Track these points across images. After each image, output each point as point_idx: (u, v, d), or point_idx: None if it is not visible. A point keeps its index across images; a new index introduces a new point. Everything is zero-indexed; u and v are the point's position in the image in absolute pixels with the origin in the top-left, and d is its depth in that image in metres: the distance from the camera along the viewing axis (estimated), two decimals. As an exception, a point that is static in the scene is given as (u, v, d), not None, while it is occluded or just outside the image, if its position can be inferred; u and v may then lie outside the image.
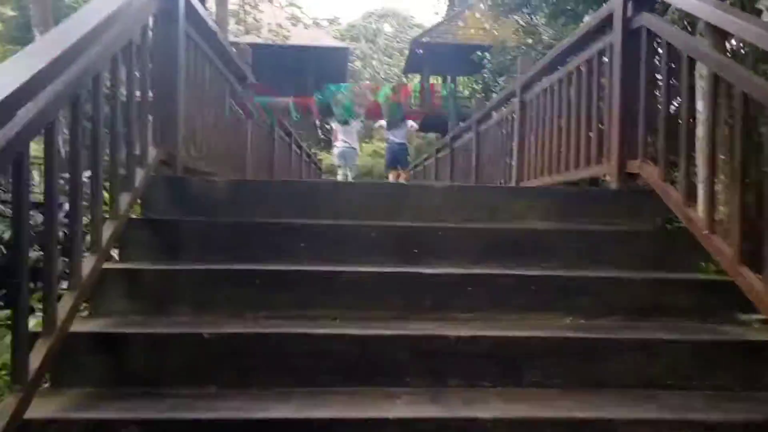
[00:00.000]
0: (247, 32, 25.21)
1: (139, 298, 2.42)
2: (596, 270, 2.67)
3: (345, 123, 9.05)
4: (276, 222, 2.83)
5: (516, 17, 14.95)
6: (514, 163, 5.39)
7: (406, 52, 42.85)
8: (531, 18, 14.28)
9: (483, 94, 14.27)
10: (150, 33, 3.05)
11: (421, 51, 19.48)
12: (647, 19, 3.16)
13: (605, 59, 3.59)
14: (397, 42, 44.56)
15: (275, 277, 2.46)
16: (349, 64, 32.16)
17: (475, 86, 14.55)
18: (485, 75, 14.18)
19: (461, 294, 2.47)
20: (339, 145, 9.15)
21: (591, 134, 3.73)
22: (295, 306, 2.42)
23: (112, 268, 2.45)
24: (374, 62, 38.15)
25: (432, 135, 25.15)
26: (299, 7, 26.63)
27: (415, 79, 25.34)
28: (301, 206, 3.03)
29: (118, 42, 2.43)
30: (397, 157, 8.99)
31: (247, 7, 25.41)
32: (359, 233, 2.75)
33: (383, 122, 9.18)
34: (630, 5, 3.30)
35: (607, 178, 3.51)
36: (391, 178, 8.99)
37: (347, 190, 3.33)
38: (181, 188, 3.02)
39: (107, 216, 2.41)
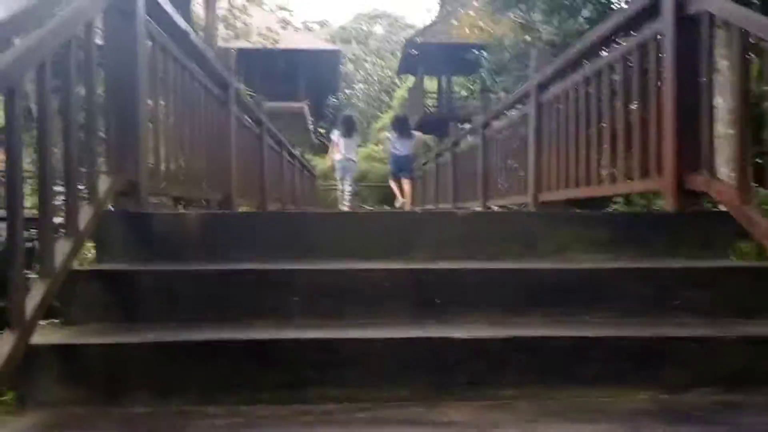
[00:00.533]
0: (237, 37, 24.63)
1: (81, 383, 1.83)
2: (674, 325, 2.08)
3: (348, 136, 9.13)
4: (261, 269, 2.24)
5: (511, 14, 14.40)
6: (531, 172, 4.81)
7: (399, 53, 42.52)
8: (528, 15, 13.73)
9: (481, 94, 13.72)
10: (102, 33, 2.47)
11: (415, 52, 18.92)
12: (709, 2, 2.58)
13: (651, 51, 3.01)
14: (389, 43, 44.04)
15: (258, 349, 1.87)
16: (341, 66, 31.64)
17: (472, 86, 13.97)
18: (483, 74, 13.59)
19: (504, 365, 1.88)
20: (340, 159, 9.16)
21: (633, 140, 3.16)
22: (286, 387, 1.83)
23: (45, 344, 1.85)
24: (367, 65, 37.59)
25: (427, 136, 24.61)
26: (290, 11, 26.11)
27: (409, 81, 24.78)
28: (293, 244, 2.44)
29: (49, 44, 1.85)
30: (401, 167, 9.05)
31: (236, 12, 24.85)
32: (368, 281, 2.16)
33: (389, 134, 9.38)
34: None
35: (663, 200, 2.92)
36: (394, 186, 9.06)
37: (350, 222, 2.74)
38: (143, 226, 2.42)
39: (37, 274, 1.83)
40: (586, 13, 12.11)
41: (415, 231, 2.54)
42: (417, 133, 9.38)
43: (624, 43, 3.36)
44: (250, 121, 5.78)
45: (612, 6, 11.88)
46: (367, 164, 25.28)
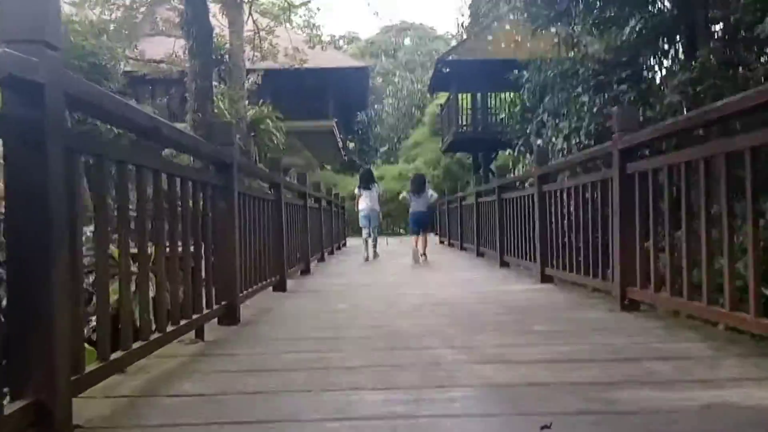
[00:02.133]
0: (263, 58, 24.07)
1: None
2: None
3: (367, 188, 9.95)
4: None
5: (553, 29, 13.36)
6: (615, 256, 3.80)
7: (428, 65, 41.68)
8: (572, 29, 12.69)
9: (521, 116, 12.70)
10: None
11: (447, 69, 17.94)
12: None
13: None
14: (419, 55, 43.16)
15: None
16: (369, 81, 30.87)
17: (510, 107, 12.93)
18: (524, 95, 12.56)
19: None
20: (363, 208, 9.89)
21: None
22: None
23: None
24: (396, 78, 36.69)
25: (460, 154, 23.56)
26: (318, 27, 25.44)
27: (441, 96, 23.82)
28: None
29: None
30: (419, 224, 9.46)
31: (263, 33, 24.28)
32: None
33: (405, 194, 10.15)
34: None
35: None
36: (413, 241, 9.40)
37: None
38: None
39: None
40: (632, 23, 10.99)
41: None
42: (431, 190, 10.07)
43: None
44: (264, 188, 4.89)
45: (658, 16, 10.82)
46: (397, 184, 24.35)
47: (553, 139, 10.29)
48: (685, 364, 2.43)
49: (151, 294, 2.69)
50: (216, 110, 20.38)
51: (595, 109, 9.90)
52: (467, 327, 3.39)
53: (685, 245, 3.05)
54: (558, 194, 5.07)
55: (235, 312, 3.63)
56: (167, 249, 2.77)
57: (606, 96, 10.26)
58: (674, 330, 3.09)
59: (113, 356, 2.15)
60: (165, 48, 21.76)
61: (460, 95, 19.02)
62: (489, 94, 19.20)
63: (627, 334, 3.04)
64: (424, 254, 9.10)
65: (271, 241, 5.06)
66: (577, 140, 10.08)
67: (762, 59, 9.39)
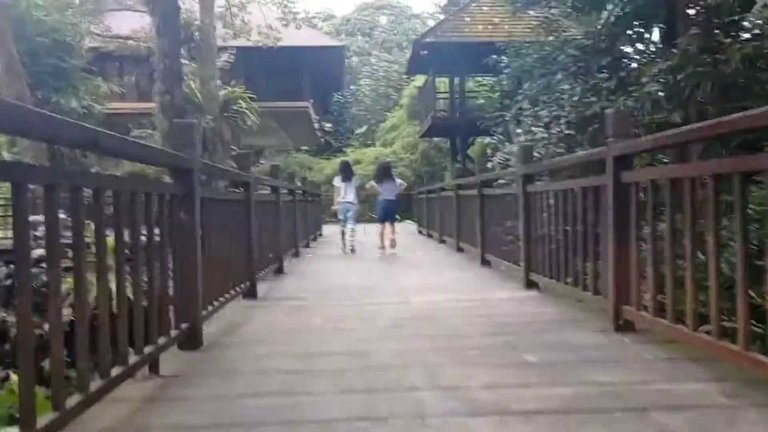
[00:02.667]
0: (236, 36, 23.40)
1: None
2: None
3: (347, 180, 10.03)
4: None
5: (531, 11, 13.03)
6: (610, 270, 3.53)
7: (405, 44, 41.10)
8: (551, 12, 12.37)
9: (500, 103, 12.38)
10: None
11: (425, 52, 17.52)
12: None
13: None
14: (395, 35, 42.59)
15: None
16: (345, 61, 30.30)
17: (492, 94, 12.61)
18: (504, 82, 12.25)
19: None
20: (341, 201, 9.97)
21: None
22: None
23: None
24: (372, 59, 36.12)
25: (438, 139, 23.24)
26: (292, 4, 24.76)
27: (420, 80, 23.42)
28: None
29: None
30: (387, 213, 9.50)
31: (235, 9, 23.56)
32: None
33: (373, 182, 10.06)
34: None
35: None
36: (379, 229, 9.47)
37: None
38: None
39: None
40: (610, 6, 10.73)
41: None
42: (399, 179, 10.15)
43: None
44: (230, 189, 4.53)
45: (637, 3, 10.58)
46: (374, 169, 24.01)
47: (533, 129, 10.01)
48: (700, 418, 2.16)
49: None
50: (186, 90, 19.82)
51: (576, 98, 9.64)
52: (453, 353, 3.10)
53: (690, 270, 2.78)
54: (544, 197, 4.79)
55: (197, 335, 3.29)
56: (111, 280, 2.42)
57: (588, 84, 10.00)
58: (678, 363, 2.83)
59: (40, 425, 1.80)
60: (133, 23, 20.96)
61: (437, 80, 18.64)
62: (467, 78, 18.87)
63: (627, 369, 2.77)
64: (393, 242, 9.15)
65: (240, 246, 4.71)
66: (558, 129, 9.83)
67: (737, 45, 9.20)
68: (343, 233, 9.73)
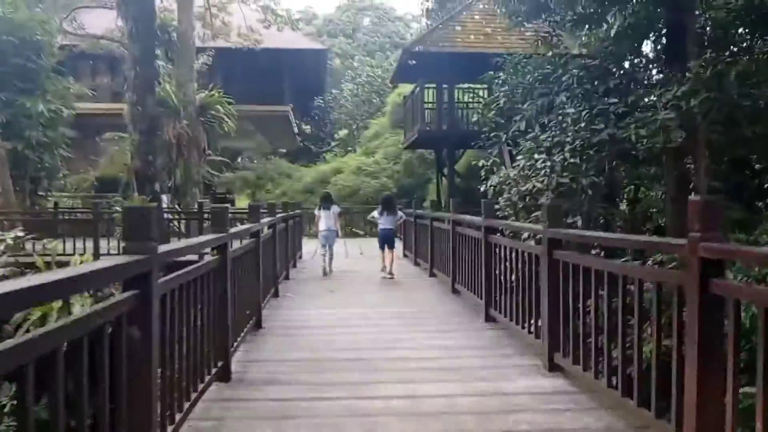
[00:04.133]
0: (215, 37, 22.50)
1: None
2: None
3: (327, 209, 10.82)
4: None
5: (528, 24, 12.33)
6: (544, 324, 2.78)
7: (387, 47, 40.33)
8: (551, 27, 11.68)
9: (495, 122, 11.64)
10: None
11: (413, 62, 16.76)
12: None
13: None
14: (378, 37, 41.84)
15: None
16: (328, 62, 29.47)
17: (488, 114, 11.85)
18: (499, 101, 11.52)
19: None
20: (322, 229, 10.74)
21: None
22: None
23: None
24: (355, 63, 35.28)
25: (421, 151, 22.50)
26: (275, 6, 23.89)
27: (404, 87, 22.65)
28: None
29: None
30: (386, 241, 10.28)
31: (214, 10, 22.64)
32: None
33: (376, 213, 10.67)
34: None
35: None
36: (380, 254, 10.31)
37: None
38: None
39: None
40: (611, 19, 10.08)
41: None
42: (400, 212, 10.87)
43: None
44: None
45: (639, 14, 9.94)
46: (357, 179, 23.16)
47: (535, 155, 9.27)
48: None
49: None
50: (162, 93, 18.87)
51: (583, 124, 8.94)
52: None
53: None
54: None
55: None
56: None
57: (592, 107, 9.32)
58: None
59: None
60: (108, 21, 19.93)
61: (426, 90, 17.88)
62: (456, 88, 18.16)
63: None
64: (391, 273, 9.94)
65: (213, 322, 3.90)
66: (562, 157, 9.12)
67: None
68: (324, 257, 10.56)
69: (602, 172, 9.07)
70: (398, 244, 13.40)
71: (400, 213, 10.81)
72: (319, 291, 8.50)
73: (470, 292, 6.98)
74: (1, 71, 16.42)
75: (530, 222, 7.64)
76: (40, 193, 18.09)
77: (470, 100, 18.25)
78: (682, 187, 9.50)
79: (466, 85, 18.30)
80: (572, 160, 8.97)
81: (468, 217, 7.13)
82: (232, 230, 4.40)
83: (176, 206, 19.32)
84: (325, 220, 10.72)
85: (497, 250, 5.80)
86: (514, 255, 5.27)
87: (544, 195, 8.98)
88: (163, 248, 2.74)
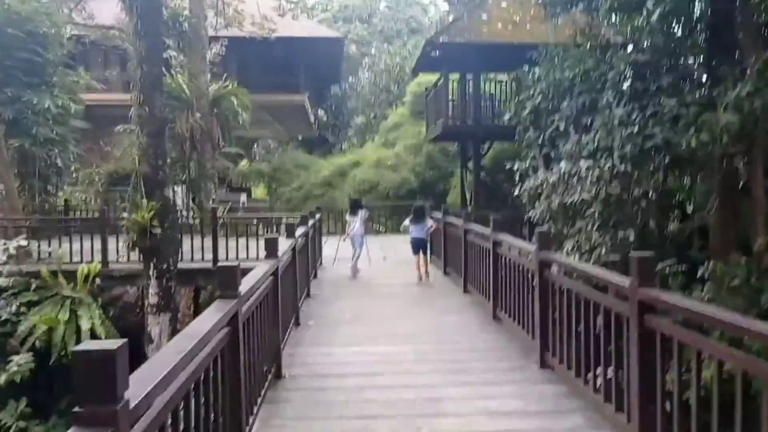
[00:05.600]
0: (228, 26, 21.65)
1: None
2: None
3: (354, 214, 11.68)
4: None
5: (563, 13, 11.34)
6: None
7: (405, 33, 39.17)
8: (592, 17, 10.70)
9: (531, 121, 10.72)
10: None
11: (437, 53, 15.83)
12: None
13: None
14: (395, 22, 40.68)
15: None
16: (344, 51, 28.56)
17: (520, 111, 10.94)
18: (535, 99, 10.59)
19: None
20: (350, 233, 11.71)
21: None
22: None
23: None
24: (372, 50, 34.23)
25: (444, 143, 21.55)
26: (289, -7, 23.04)
27: (424, 78, 21.71)
28: None
29: None
30: (417, 248, 10.66)
31: (227, -2, 21.80)
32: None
33: (407, 222, 11.02)
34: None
35: None
36: (415, 260, 10.63)
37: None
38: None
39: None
40: (650, 3, 9.07)
41: None
42: (430, 221, 11.00)
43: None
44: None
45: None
46: (376, 172, 22.28)
47: (581, 162, 8.37)
48: None
49: None
50: (174, 85, 18.10)
51: (636, 128, 8.00)
52: None
53: None
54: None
55: None
56: None
57: (645, 109, 8.38)
58: None
59: None
60: (119, 10, 19.16)
61: (450, 82, 16.94)
62: (483, 78, 17.20)
63: None
64: (427, 273, 10.48)
65: (224, 409, 3.12)
66: (610, 164, 8.22)
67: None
68: (353, 256, 11.31)
69: (654, 181, 8.18)
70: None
71: (430, 221, 10.98)
72: (343, 315, 7.68)
73: (516, 325, 6.14)
74: (7, 65, 15.75)
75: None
76: (50, 190, 17.46)
77: (497, 91, 17.28)
78: (728, 194, 8.62)
79: (492, 76, 17.33)
80: (623, 168, 8.08)
81: (517, 243, 6.23)
82: (243, 291, 3.55)
83: (191, 201, 18.70)
84: (353, 224, 11.61)
85: (557, 289, 4.92)
86: (583, 305, 4.39)
87: (593, 206, 8.12)
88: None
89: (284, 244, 5.97)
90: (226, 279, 3.31)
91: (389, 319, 7.51)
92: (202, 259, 11.17)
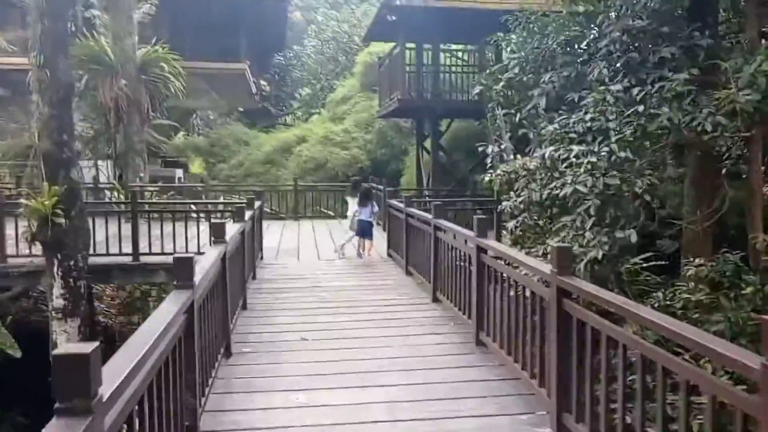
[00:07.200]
0: (160, -15, 19.50)
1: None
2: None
3: (364, 206, 10.67)
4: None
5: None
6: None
7: (353, 3, 37.26)
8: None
9: (503, 95, 9.33)
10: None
11: (394, 17, 14.27)
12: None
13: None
14: (344, -11, 38.62)
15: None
16: (288, 16, 26.65)
17: (490, 86, 9.51)
18: (510, 71, 9.18)
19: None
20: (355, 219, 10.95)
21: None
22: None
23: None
24: (319, 17, 32.23)
25: (397, 119, 20.07)
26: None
27: (375, 46, 20.09)
28: None
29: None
30: (363, 231, 10.59)
31: (158, -50, 19.59)
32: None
33: (354, 207, 10.84)
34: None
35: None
36: (357, 242, 10.77)
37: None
38: None
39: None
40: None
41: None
42: (375, 207, 10.92)
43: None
44: None
45: None
46: (324, 149, 20.65)
47: (573, 146, 7.00)
48: None
49: None
50: (96, 48, 15.98)
51: (641, 107, 6.71)
52: None
53: None
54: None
55: None
56: None
57: (646, 85, 7.11)
58: None
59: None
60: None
61: (407, 52, 15.39)
62: (443, 49, 15.74)
63: None
64: (368, 252, 10.59)
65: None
66: (607, 149, 6.90)
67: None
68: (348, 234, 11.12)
69: (661, 173, 6.95)
70: (382, 242, 11.31)
71: (376, 207, 10.87)
72: (288, 336, 6.10)
73: (509, 357, 4.78)
74: None
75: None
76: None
77: (459, 64, 15.87)
78: (702, 171, 7.63)
79: (453, 47, 15.89)
80: (621, 154, 6.81)
81: (530, 262, 4.74)
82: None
83: (117, 178, 16.75)
84: (358, 211, 10.72)
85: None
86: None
87: (587, 200, 6.81)
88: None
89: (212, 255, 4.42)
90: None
91: (351, 350, 5.79)
92: (119, 252, 9.38)
